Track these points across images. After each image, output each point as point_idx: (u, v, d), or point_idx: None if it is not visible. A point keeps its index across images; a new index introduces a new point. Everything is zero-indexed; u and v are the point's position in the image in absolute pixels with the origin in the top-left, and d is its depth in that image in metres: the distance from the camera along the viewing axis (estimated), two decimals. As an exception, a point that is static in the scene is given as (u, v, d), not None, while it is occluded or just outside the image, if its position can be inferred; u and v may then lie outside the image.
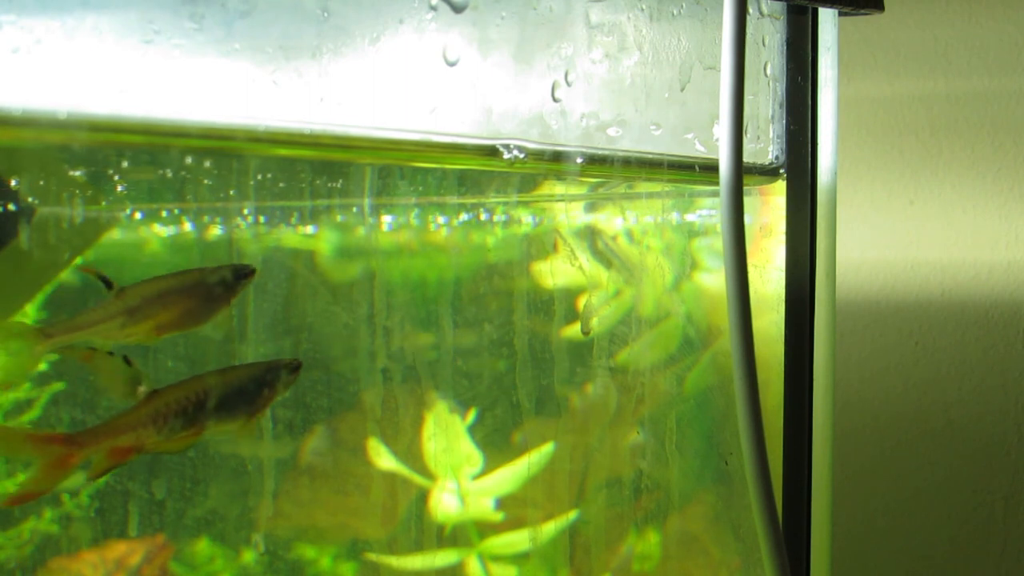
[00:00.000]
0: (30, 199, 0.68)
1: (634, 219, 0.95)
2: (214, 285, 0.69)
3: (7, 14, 0.59)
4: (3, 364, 0.65)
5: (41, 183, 0.67)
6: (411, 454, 0.87)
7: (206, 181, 0.74)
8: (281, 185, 0.78)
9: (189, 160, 0.71)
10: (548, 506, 0.92)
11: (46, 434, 0.65)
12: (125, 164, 0.70)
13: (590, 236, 0.92)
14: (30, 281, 0.75)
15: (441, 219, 0.87)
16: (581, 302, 0.89)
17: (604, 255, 0.92)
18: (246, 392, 0.70)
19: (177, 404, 0.67)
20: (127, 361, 0.67)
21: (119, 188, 0.72)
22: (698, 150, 0.88)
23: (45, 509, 0.80)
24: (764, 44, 0.91)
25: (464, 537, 0.91)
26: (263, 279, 0.78)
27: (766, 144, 0.93)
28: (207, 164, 0.73)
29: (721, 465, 0.97)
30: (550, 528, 0.92)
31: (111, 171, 0.70)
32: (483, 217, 0.88)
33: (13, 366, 0.66)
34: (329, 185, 0.81)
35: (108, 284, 0.67)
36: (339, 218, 0.82)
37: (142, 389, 0.67)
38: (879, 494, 1.41)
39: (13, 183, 0.67)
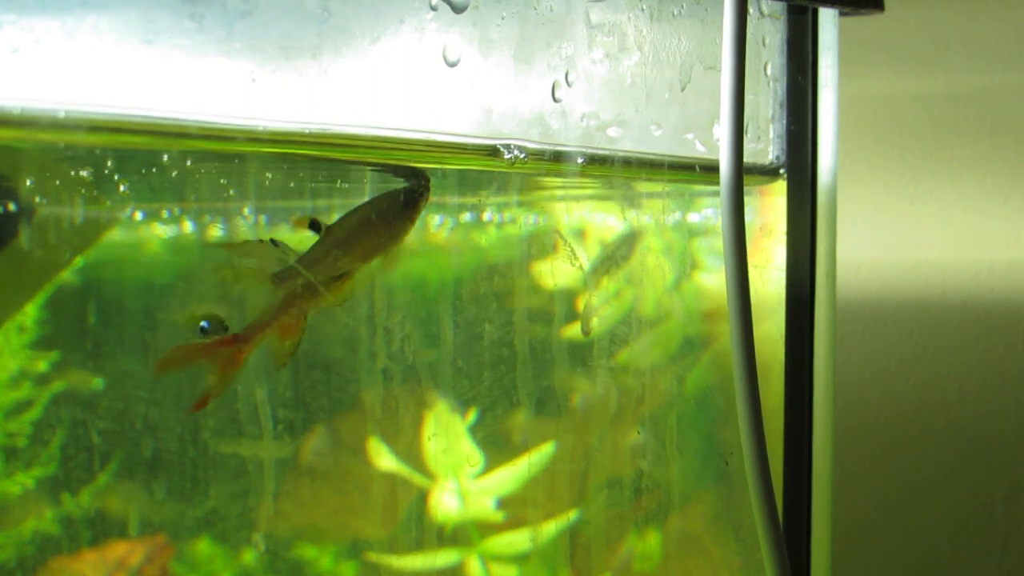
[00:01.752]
0: (35, 199, 0.68)
1: (634, 219, 0.95)
2: (402, 204, 0.73)
3: (7, 14, 0.59)
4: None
5: (41, 183, 0.67)
6: (411, 454, 0.87)
7: (206, 181, 0.74)
8: (282, 185, 0.78)
9: (189, 160, 0.71)
10: (548, 506, 0.92)
11: (215, 342, 0.69)
12: (125, 164, 0.70)
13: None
14: (30, 281, 0.75)
15: (442, 219, 0.87)
16: (581, 302, 0.89)
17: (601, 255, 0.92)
18: (384, 225, 0.73)
19: (325, 263, 0.71)
20: (274, 243, 0.70)
21: (119, 188, 0.72)
22: (698, 150, 0.88)
23: (45, 509, 0.80)
24: (764, 44, 0.91)
25: (464, 537, 0.91)
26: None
27: (766, 144, 0.93)
28: (207, 164, 0.73)
29: (721, 465, 0.97)
30: (550, 528, 0.92)
31: (111, 171, 0.70)
32: (483, 217, 0.88)
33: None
34: (329, 185, 0.81)
35: (318, 227, 0.71)
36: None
37: (292, 258, 0.70)
38: (879, 494, 1.41)
39: (28, 183, 0.68)
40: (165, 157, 0.71)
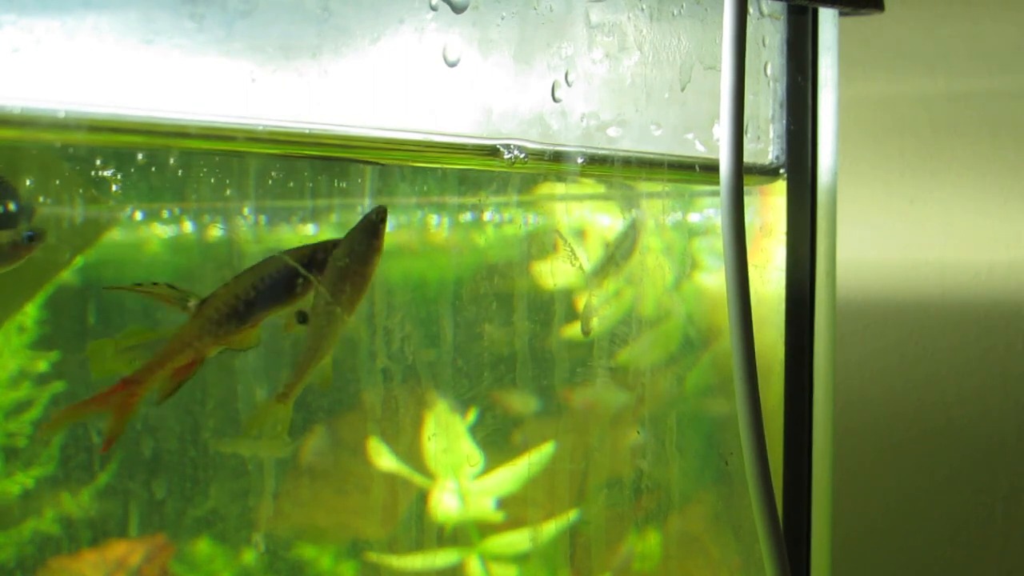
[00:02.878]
0: (35, 199, 0.68)
1: (634, 219, 0.95)
2: (369, 237, 0.72)
3: (7, 14, 0.59)
4: None
5: (41, 183, 0.67)
6: (411, 454, 0.87)
7: (206, 181, 0.74)
8: (281, 185, 0.78)
9: (189, 160, 0.71)
10: (548, 506, 0.92)
11: (104, 392, 0.67)
12: (125, 164, 0.70)
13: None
14: (30, 281, 0.75)
15: (441, 219, 0.87)
16: (581, 302, 0.89)
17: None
18: (292, 279, 0.71)
19: (227, 307, 0.69)
20: (171, 286, 0.68)
21: (119, 188, 0.72)
22: (698, 150, 0.88)
23: (45, 509, 0.80)
24: (764, 44, 0.91)
25: (464, 537, 0.91)
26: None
27: (766, 144, 0.93)
28: (207, 164, 0.73)
29: (721, 465, 0.97)
30: (550, 528, 0.92)
31: (111, 171, 0.70)
32: (484, 217, 0.88)
33: None
34: (329, 185, 0.81)
35: (305, 318, 0.71)
36: (339, 218, 0.82)
37: (191, 304, 0.68)
38: (879, 494, 1.41)
39: (28, 183, 0.68)
40: (165, 157, 0.71)
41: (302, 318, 0.70)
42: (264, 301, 0.70)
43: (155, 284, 0.69)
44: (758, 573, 0.85)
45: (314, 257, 0.72)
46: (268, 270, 0.70)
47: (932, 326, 1.38)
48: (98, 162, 0.69)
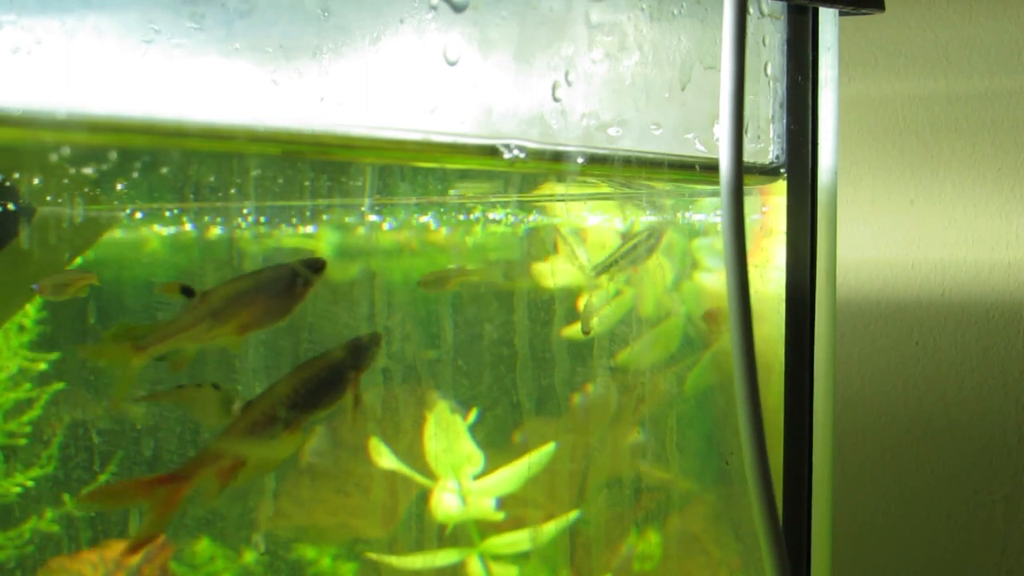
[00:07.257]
0: (35, 198, 0.68)
1: (634, 219, 0.95)
2: (290, 280, 0.71)
3: (7, 14, 0.59)
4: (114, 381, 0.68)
5: (41, 183, 0.67)
6: (412, 454, 0.87)
7: (206, 181, 0.74)
8: (281, 185, 0.78)
9: (189, 160, 0.71)
10: (549, 506, 0.92)
11: (153, 479, 0.65)
12: (125, 164, 0.70)
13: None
14: (30, 281, 0.75)
15: (441, 219, 0.87)
16: (581, 302, 0.89)
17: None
18: (333, 379, 0.71)
19: (271, 409, 0.68)
20: (216, 387, 0.67)
21: (119, 188, 0.72)
22: (698, 150, 0.88)
23: (45, 509, 0.80)
24: (764, 44, 0.91)
25: (465, 537, 0.91)
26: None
27: (766, 144, 0.93)
28: (207, 164, 0.73)
29: (721, 465, 0.97)
30: (551, 528, 0.92)
31: (111, 171, 0.70)
32: (484, 217, 0.88)
33: (118, 383, 0.68)
34: (329, 185, 0.81)
35: (191, 293, 0.67)
36: (339, 218, 0.82)
37: (236, 407, 0.67)
38: (879, 494, 1.41)
39: (28, 183, 0.67)
40: (165, 157, 0.71)
41: (188, 292, 0.67)
42: (308, 403, 0.69)
43: (199, 385, 0.67)
44: (758, 573, 0.85)
45: (356, 351, 0.72)
46: (310, 372, 0.70)
47: (932, 326, 1.38)
48: (98, 162, 0.69)
